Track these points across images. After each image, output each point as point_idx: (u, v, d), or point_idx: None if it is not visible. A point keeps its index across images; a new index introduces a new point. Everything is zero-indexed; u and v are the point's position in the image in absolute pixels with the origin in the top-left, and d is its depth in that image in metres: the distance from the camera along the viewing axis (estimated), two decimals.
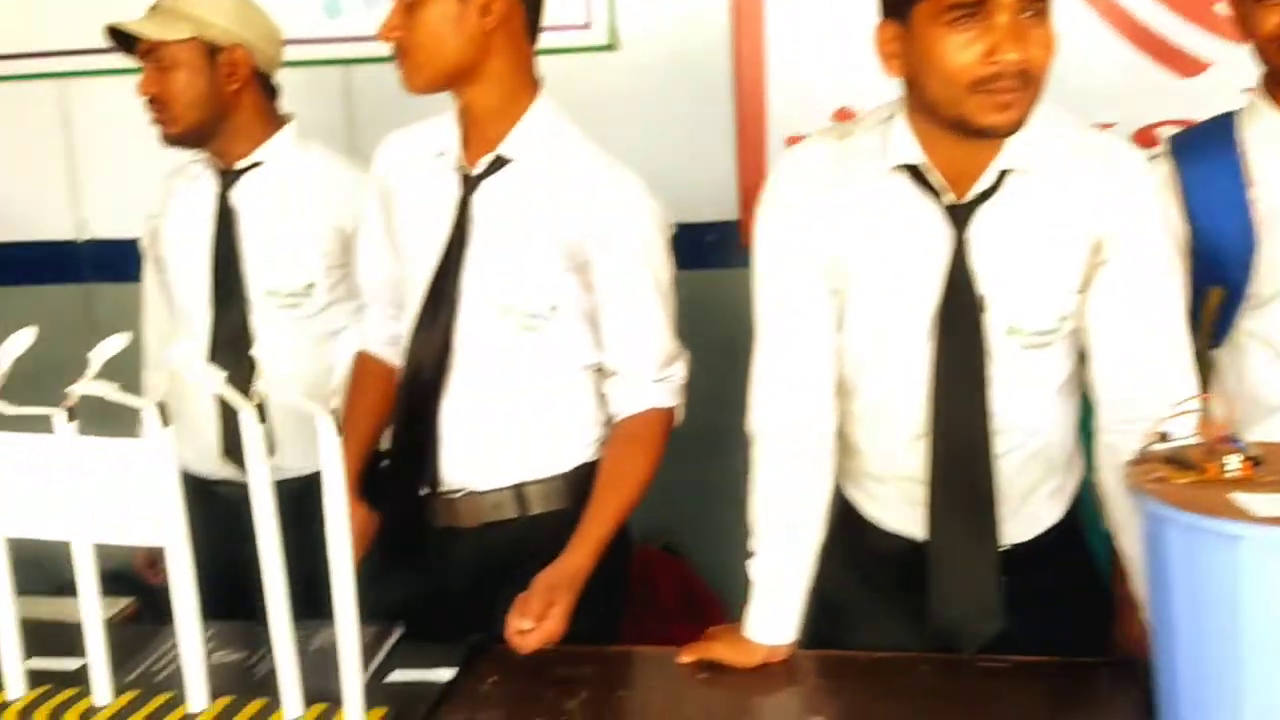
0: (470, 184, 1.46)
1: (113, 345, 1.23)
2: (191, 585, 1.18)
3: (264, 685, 1.29)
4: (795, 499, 1.32)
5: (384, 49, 2.46)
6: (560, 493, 1.49)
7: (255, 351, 1.73)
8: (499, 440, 1.48)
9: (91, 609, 1.20)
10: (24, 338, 1.22)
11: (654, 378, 1.46)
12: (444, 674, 1.33)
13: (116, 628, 1.55)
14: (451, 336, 1.46)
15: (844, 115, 2.30)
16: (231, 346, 1.74)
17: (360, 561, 1.68)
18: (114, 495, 1.15)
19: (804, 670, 1.34)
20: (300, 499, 1.80)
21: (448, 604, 1.48)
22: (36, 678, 1.27)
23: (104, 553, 1.26)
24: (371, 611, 1.50)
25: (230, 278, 1.77)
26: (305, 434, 1.82)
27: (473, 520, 1.50)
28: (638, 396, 1.46)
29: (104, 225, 2.64)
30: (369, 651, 1.38)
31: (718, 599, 2.46)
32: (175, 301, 1.83)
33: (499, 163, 1.45)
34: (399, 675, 1.33)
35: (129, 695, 1.23)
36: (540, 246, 1.44)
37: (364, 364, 1.65)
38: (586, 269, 1.44)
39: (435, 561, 1.51)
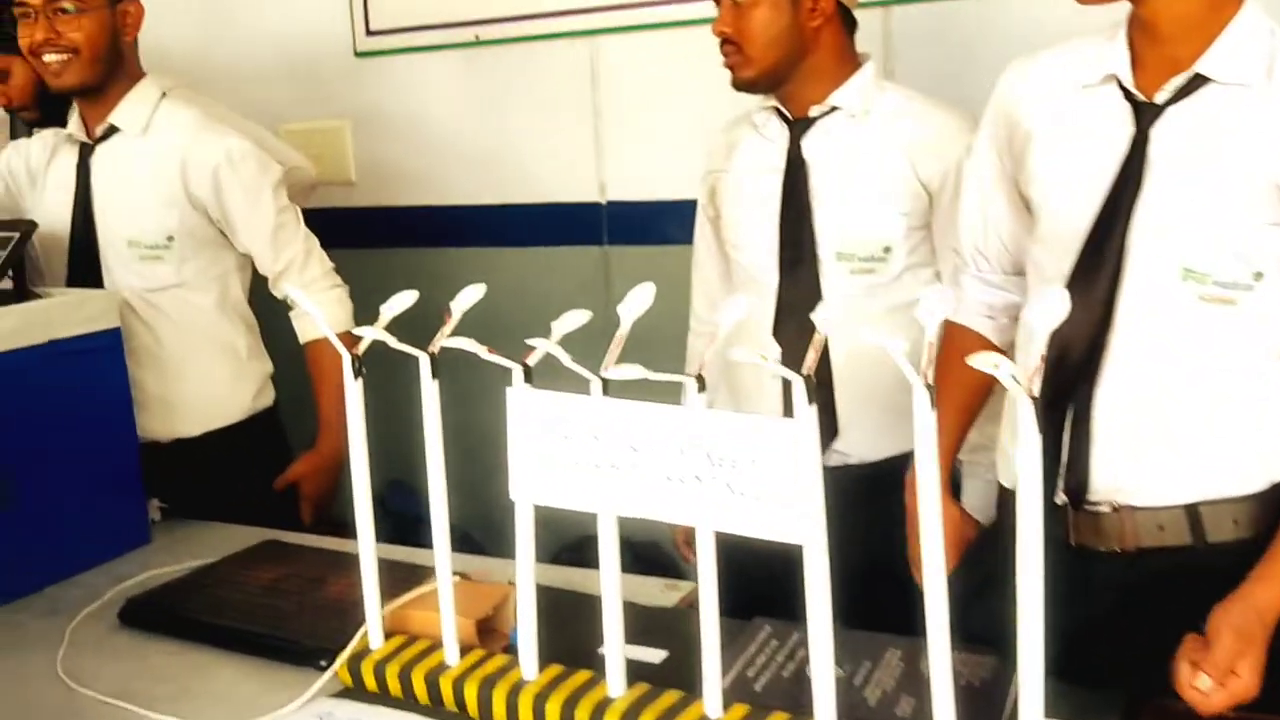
0: (1149, 114, 1.17)
1: (737, 309, 1.08)
2: (826, 590, 0.99)
3: (884, 709, 1.10)
4: None
5: None
6: (1248, 518, 1.17)
7: (817, 316, 1.55)
8: (1170, 444, 1.18)
9: (710, 611, 1.05)
10: (645, 293, 1.09)
11: None
12: None
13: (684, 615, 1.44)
14: (1113, 308, 1.18)
15: None
16: (801, 313, 1.56)
17: (952, 574, 1.47)
18: (743, 478, 0.99)
19: None
20: (864, 490, 1.62)
21: (1076, 641, 1.21)
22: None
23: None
24: (969, 635, 1.27)
25: (801, 237, 1.60)
26: (872, 416, 1.64)
27: (1125, 542, 1.21)
28: None
29: (622, 187, 2.62)
30: (995, 688, 1.16)
31: None
32: (737, 261, 1.70)
33: (1193, 85, 1.15)
34: None
35: (739, 710, 1.07)
36: (1246, 191, 1.13)
37: (954, 337, 1.41)
38: None
39: (1064, 587, 1.24)
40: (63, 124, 2.06)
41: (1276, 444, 1.18)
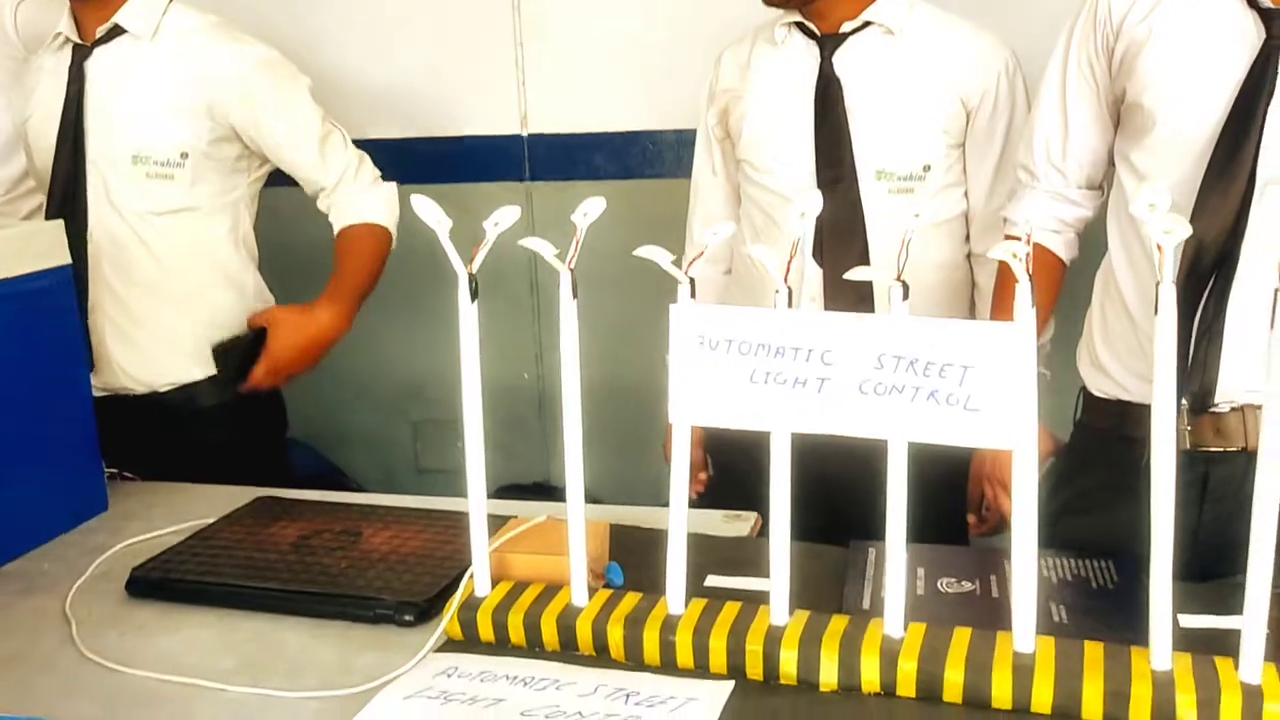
0: (1278, 23, 1.18)
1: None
2: (1032, 505, 0.97)
3: (1043, 623, 1.09)
4: None
5: None
6: None
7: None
8: None
9: (898, 524, 1.01)
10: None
11: None
12: (1219, 621, 1.09)
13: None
14: (1246, 214, 1.19)
15: None
16: (844, 234, 1.53)
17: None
18: (953, 386, 0.95)
19: None
20: None
21: (1193, 542, 1.24)
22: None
23: None
24: (1063, 542, 1.29)
25: (840, 156, 1.56)
26: None
27: (1248, 441, 1.25)
28: None
29: (546, 120, 2.50)
30: (1124, 590, 1.17)
31: None
32: (762, 185, 1.64)
33: None
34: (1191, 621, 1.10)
35: (919, 628, 1.04)
36: None
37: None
38: None
39: (1179, 491, 1.27)
40: None
41: None
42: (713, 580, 1.21)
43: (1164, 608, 0.95)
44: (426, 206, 1.03)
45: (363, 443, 2.76)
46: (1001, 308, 1.45)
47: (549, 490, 2.59)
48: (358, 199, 1.82)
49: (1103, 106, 1.33)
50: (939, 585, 1.19)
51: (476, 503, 1.11)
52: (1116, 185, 1.32)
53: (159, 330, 1.76)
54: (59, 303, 1.49)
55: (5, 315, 1.40)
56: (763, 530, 1.49)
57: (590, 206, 1.07)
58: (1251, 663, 0.93)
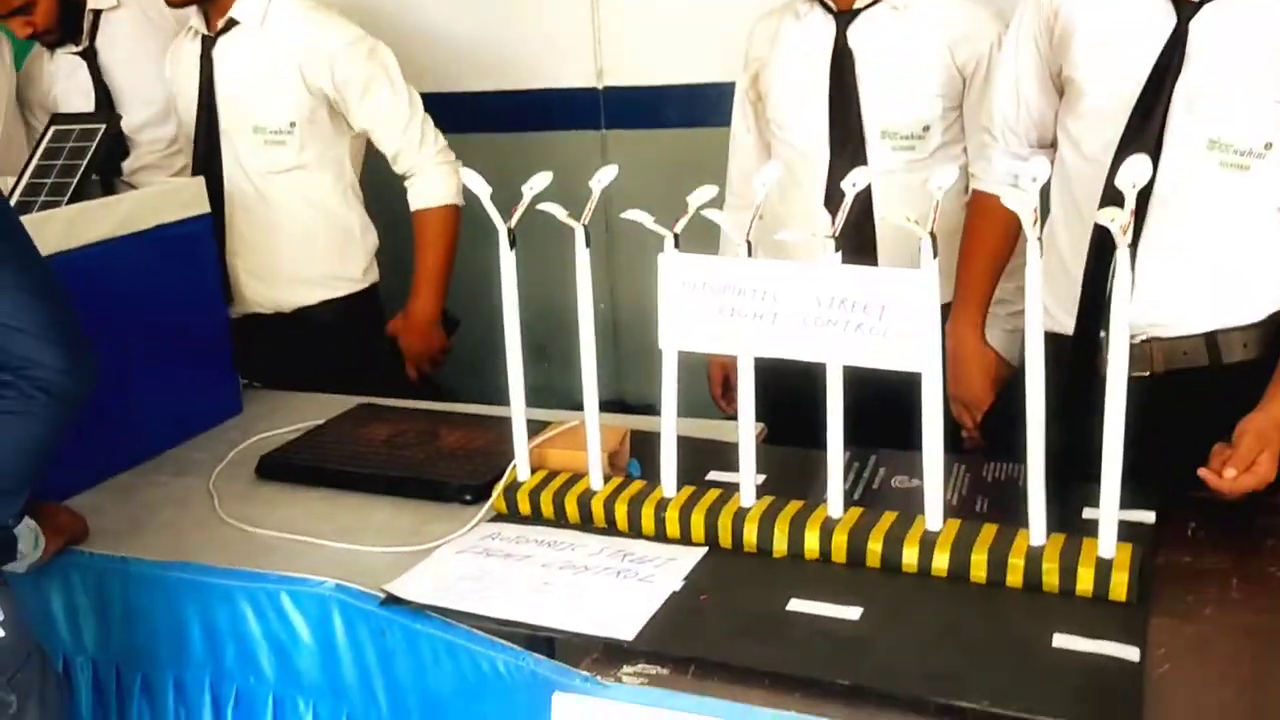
0: (1188, 10, 1.38)
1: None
2: (939, 413, 1.22)
3: (967, 511, 1.35)
4: None
5: None
6: (1255, 342, 1.44)
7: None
8: (1194, 285, 1.44)
9: (836, 429, 1.27)
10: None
11: None
12: (1138, 515, 1.32)
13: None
14: (1155, 172, 1.40)
15: None
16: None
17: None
18: (874, 320, 1.20)
19: None
20: None
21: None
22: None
23: None
24: (1007, 448, 1.52)
25: (849, 119, 1.79)
26: None
27: (1154, 367, 1.47)
28: None
29: (620, 73, 2.76)
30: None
31: None
32: (785, 141, 1.88)
33: None
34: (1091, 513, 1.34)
35: (856, 511, 1.30)
36: (1267, 80, 1.36)
37: (982, 205, 1.64)
38: None
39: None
40: (78, 43, 2.23)
41: (1275, 281, 1.45)
42: (712, 475, 1.49)
43: (1038, 498, 1.20)
44: (472, 179, 1.32)
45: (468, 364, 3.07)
46: (968, 238, 1.67)
47: (623, 405, 2.89)
48: (427, 179, 2.10)
49: (1047, 77, 1.54)
50: (892, 482, 1.45)
51: (518, 410, 1.42)
52: (1059, 153, 1.53)
53: (280, 266, 2.11)
54: (201, 244, 1.84)
55: (156, 254, 1.74)
56: (768, 439, 1.77)
57: (604, 174, 1.34)
58: (1107, 541, 1.18)
